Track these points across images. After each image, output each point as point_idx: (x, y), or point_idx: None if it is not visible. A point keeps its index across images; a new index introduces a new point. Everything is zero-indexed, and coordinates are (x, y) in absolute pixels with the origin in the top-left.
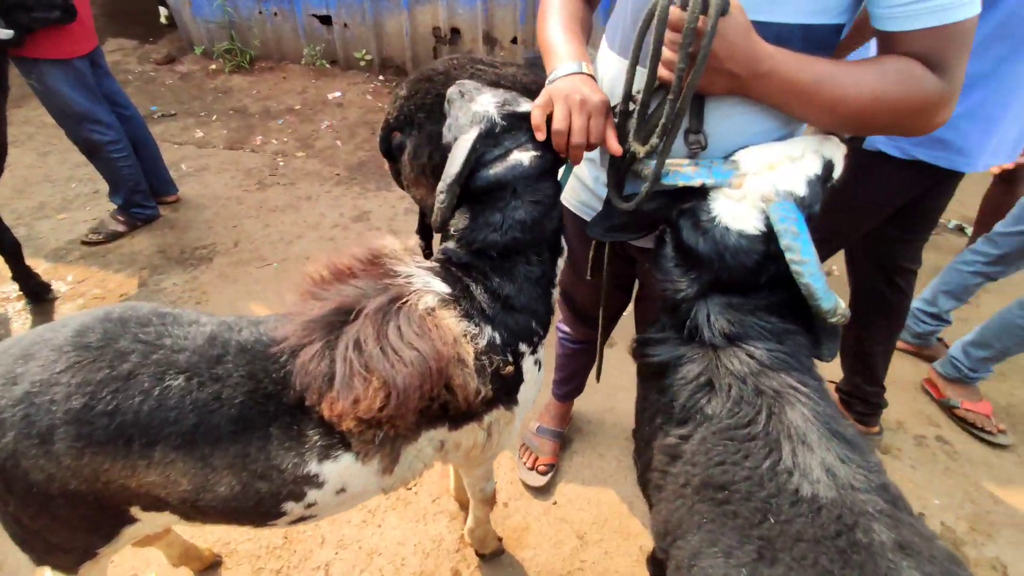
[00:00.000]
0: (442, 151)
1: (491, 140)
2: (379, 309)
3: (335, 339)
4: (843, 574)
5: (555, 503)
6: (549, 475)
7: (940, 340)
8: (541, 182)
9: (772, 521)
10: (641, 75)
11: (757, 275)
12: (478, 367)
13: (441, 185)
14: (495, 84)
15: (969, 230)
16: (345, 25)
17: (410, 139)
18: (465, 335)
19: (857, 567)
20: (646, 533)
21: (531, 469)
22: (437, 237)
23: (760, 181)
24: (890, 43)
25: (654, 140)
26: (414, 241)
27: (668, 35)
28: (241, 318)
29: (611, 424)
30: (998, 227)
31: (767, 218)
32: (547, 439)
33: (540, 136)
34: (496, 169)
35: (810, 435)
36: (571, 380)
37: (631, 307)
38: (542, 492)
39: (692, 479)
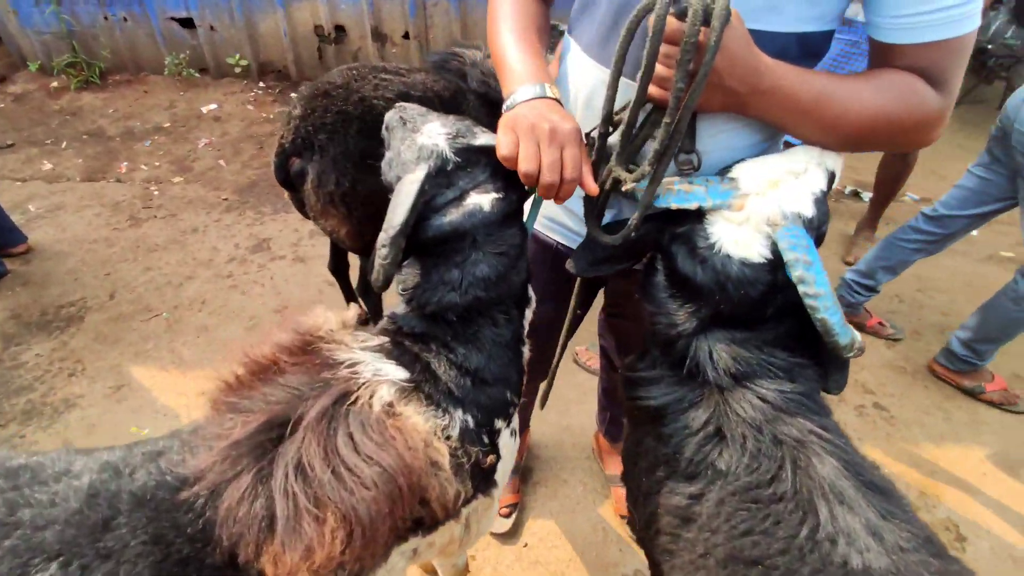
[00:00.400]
0: (351, 176)
1: (443, 180)
2: (322, 416)
3: (269, 466)
4: None
5: (525, 545)
6: (513, 516)
7: (865, 309)
8: (505, 228)
9: None
10: (624, 88)
11: (763, 307)
12: (455, 466)
13: (383, 237)
14: (404, 95)
15: (866, 196)
16: (212, 28)
17: (312, 165)
18: (435, 432)
19: None
20: (625, 559)
21: None
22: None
23: (763, 202)
24: (889, 55)
25: (645, 167)
26: (352, 312)
27: (664, 48)
28: (133, 449)
29: (570, 444)
30: (942, 208)
31: (773, 244)
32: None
33: (510, 166)
34: (451, 216)
35: (846, 491)
36: (523, 409)
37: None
38: (509, 536)
39: (713, 550)
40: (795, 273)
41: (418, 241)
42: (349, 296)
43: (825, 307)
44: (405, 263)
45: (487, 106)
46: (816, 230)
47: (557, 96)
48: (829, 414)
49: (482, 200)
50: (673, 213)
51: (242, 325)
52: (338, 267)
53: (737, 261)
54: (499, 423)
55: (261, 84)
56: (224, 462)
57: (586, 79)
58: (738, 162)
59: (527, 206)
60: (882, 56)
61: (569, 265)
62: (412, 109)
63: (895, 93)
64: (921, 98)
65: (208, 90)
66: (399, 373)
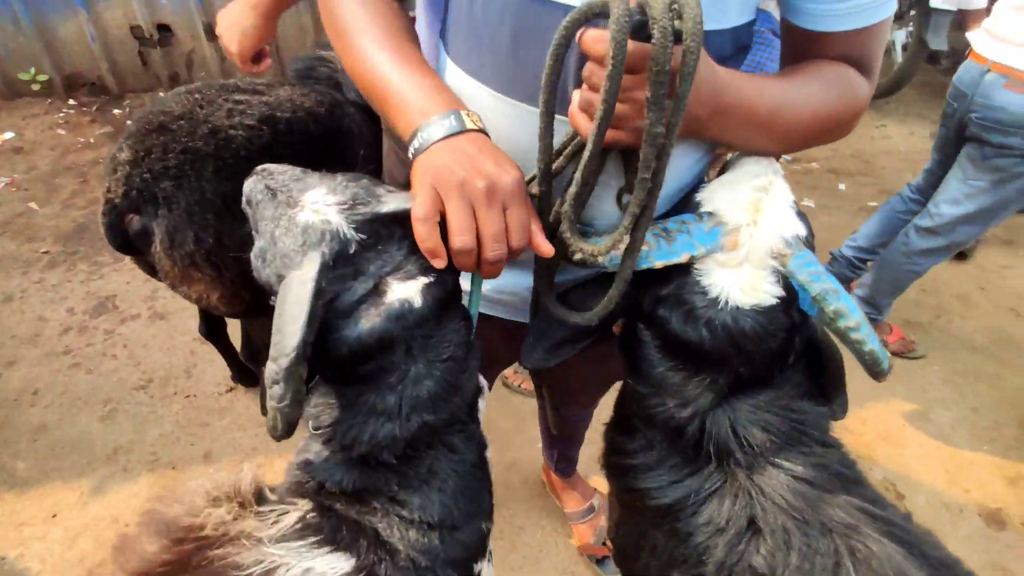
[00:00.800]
0: (214, 228)
1: (346, 270)
2: None
3: None
4: None
5: None
6: None
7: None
8: (446, 323)
9: None
10: (559, 129)
11: (785, 357)
12: None
13: (271, 369)
14: (269, 119)
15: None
16: None
17: (158, 222)
18: None
19: None
20: None
21: None
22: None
23: (759, 232)
24: (819, 44)
25: (618, 235)
26: (246, 476)
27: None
28: None
29: (519, 483)
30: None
31: (782, 279)
32: None
33: (438, 264)
34: (369, 320)
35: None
36: None
37: None
38: None
39: None
40: (831, 307)
41: (326, 360)
42: (233, 363)
43: (868, 336)
44: (312, 390)
45: (372, 121)
46: (813, 249)
47: (480, 126)
48: (865, 482)
49: (408, 290)
50: (645, 273)
51: (96, 414)
52: (212, 331)
53: (749, 311)
54: (478, 565)
55: (72, 102)
56: None
57: (476, 107)
58: (690, 191)
59: (463, 282)
60: (809, 45)
61: (525, 361)
62: (281, 173)
63: (838, 90)
64: (857, 89)
65: (0, 116)
66: (340, 564)
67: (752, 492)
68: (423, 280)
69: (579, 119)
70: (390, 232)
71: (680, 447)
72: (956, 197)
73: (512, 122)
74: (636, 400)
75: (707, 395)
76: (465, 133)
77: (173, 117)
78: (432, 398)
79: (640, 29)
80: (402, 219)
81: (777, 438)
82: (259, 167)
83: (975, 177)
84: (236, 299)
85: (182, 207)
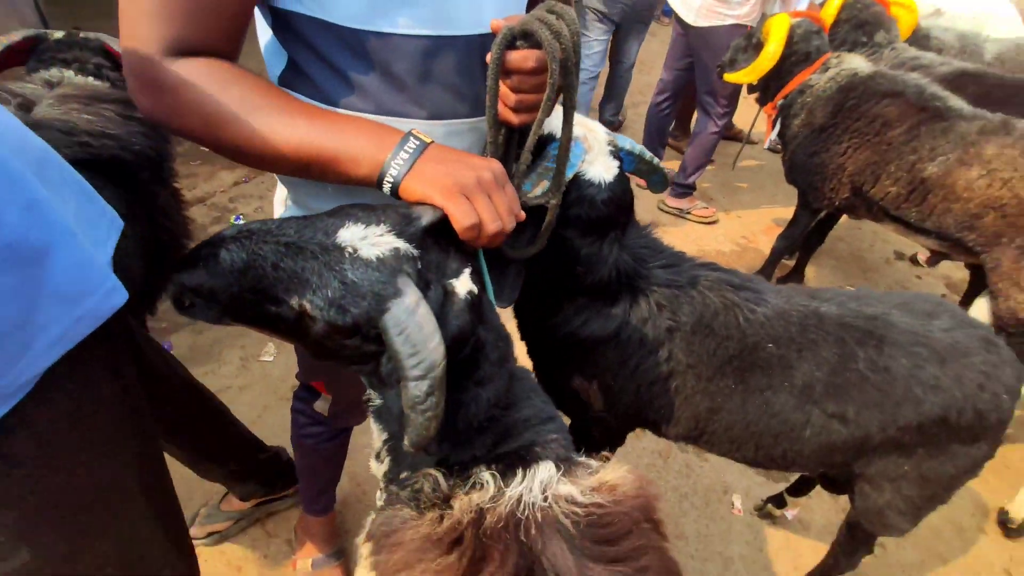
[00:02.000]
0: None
1: (421, 284)
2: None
3: None
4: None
5: None
6: None
7: None
8: (484, 296)
9: (771, 347)
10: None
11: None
12: None
13: (423, 388)
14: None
15: None
16: None
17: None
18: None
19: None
20: None
21: None
22: None
23: (595, 136)
24: None
25: (546, 183)
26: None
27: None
28: None
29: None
30: None
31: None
32: (330, 569)
33: (487, 235)
34: (458, 319)
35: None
36: (331, 483)
37: None
38: None
39: (703, 373)
40: (637, 151)
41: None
42: None
43: (657, 162)
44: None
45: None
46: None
47: (430, 138)
48: (690, 257)
49: (465, 284)
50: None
51: None
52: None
53: (613, 181)
54: None
55: None
56: None
57: None
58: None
59: None
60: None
61: (504, 302)
62: (264, 231)
63: None
64: None
65: None
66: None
67: (649, 292)
68: (467, 272)
69: (513, 116)
70: (427, 243)
71: (603, 295)
72: None
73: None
74: (566, 287)
75: (614, 248)
76: (428, 147)
77: None
78: (503, 353)
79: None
80: (432, 228)
81: (651, 253)
82: (219, 236)
83: None
84: None
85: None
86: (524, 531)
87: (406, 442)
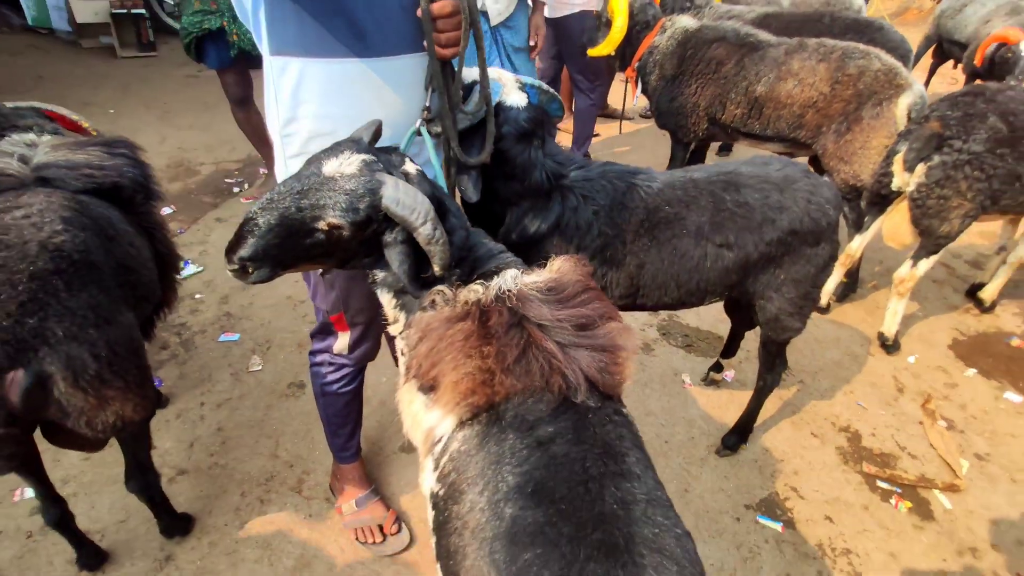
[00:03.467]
0: (103, 339)
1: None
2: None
3: None
4: None
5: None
6: (403, 529)
7: None
8: (441, 190)
9: (668, 207)
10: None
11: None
12: None
13: (429, 227)
14: (73, 221)
15: None
16: None
17: (48, 362)
18: None
19: None
20: None
21: (382, 541)
22: None
23: (505, 76)
24: None
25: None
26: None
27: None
28: None
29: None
30: None
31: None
32: (372, 504)
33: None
34: (419, 187)
35: (631, 169)
36: (357, 426)
37: None
38: (409, 547)
39: (626, 239)
40: (536, 83)
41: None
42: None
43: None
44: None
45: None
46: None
47: None
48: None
49: (411, 167)
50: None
51: None
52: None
53: (526, 103)
54: None
55: None
56: None
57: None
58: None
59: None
60: None
61: (467, 196)
62: (288, 184)
63: None
64: None
65: None
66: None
67: (573, 185)
68: (407, 160)
69: (445, 51)
70: (375, 151)
71: (539, 196)
72: None
73: (379, 73)
74: (510, 194)
75: (539, 154)
76: None
77: None
78: (458, 211)
79: None
80: (372, 142)
81: (566, 159)
82: (249, 214)
83: None
84: (146, 400)
85: (60, 335)
86: (508, 301)
87: (436, 268)
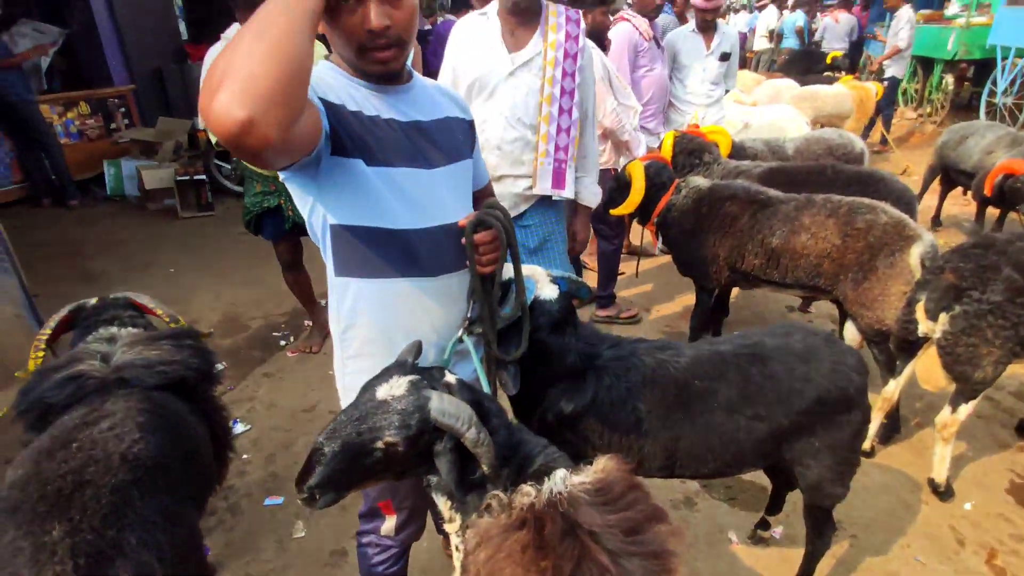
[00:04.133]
0: (168, 544)
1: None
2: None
3: None
4: None
5: None
6: None
7: None
8: (483, 393)
9: (697, 382)
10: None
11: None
12: None
13: (473, 434)
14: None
15: None
16: None
17: (125, 570)
18: None
19: None
20: None
21: None
22: None
23: (536, 272)
24: (479, 193)
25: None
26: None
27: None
28: None
29: None
30: None
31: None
32: None
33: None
34: (459, 397)
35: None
36: None
37: None
38: None
39: (660, 414)
40: (567, 275)
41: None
42: None
43: (582, 281)
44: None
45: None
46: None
47: None
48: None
49: (451, 378)
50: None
51: None
52: None
53: (558, 295)
54: None
55: None
56: None
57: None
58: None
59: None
60: (479, 194)
61: (507, 391)
62: (347, 413)
63: None
64: None
65: None
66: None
67: (606, 364)
68: (445, 372)
69: (485, 269)
70: (419, 368)
71: (574, 377)
72: None
73: (428, 291)
74: (547, 377)
75: (572, 339)
76: None
77: (57, 476)
78: (501, 416)
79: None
80: (415, 361)
81: (598, 340)
82: (316, 445)
83: None
84: None
85: (133, 543)
86: (560, 506)
87: (485, 468)
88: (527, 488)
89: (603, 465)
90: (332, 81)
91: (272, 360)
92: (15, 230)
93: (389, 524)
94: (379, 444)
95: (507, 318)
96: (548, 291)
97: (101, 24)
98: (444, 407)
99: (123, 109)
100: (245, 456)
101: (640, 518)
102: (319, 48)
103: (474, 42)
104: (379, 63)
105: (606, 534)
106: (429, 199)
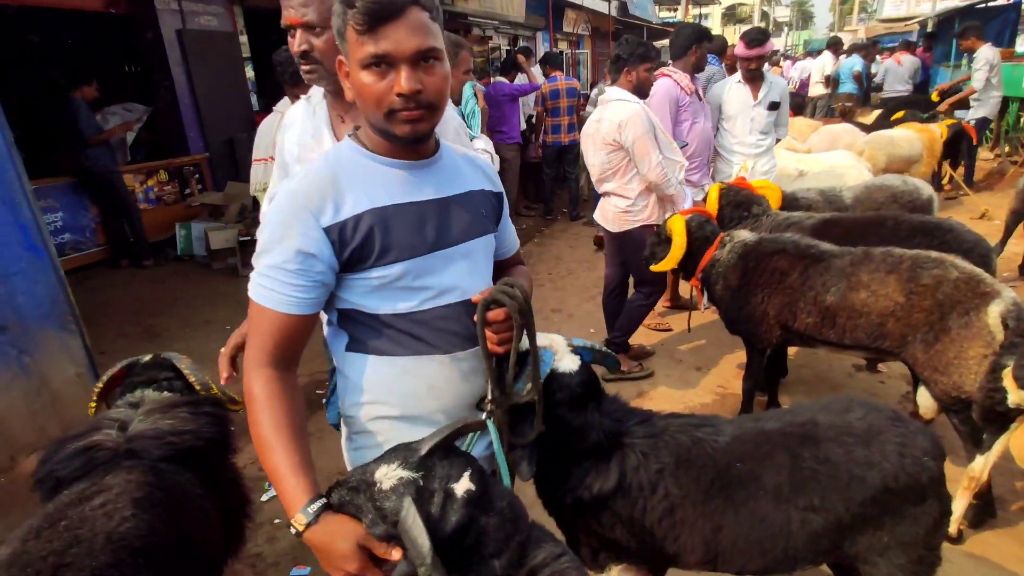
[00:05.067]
0: None
1: (426, 496)
2: None
3: None
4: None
5: None
6: None
7: None
8: (491, 488)
9: (739, 464)
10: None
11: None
12: None
13: (422, 571)
14: (142, 503)
15: None
16: None
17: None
18: None
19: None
20: None
21: None
22: None
23: (555, 341)
24: (508, 262)
25: (528, 387)
26: None
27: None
28: None
29: None
30: None
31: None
32: None
33: None
34: (456, 514)
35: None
36: None
37: None
38: None
39: (696, 499)
40: (591, 346)
41: (452, 554)
42: None
43: (607, 352)
44: None
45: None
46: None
47: (318, 508)
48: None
49: (464, 483)
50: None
51: None
52: None
53: (579, 369)
54: None
55: None
56: None
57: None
58: None
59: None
60: (506, 264)
61: (522, 476)
62: (353, 480)
63: (528, 276)
64: (528, 273)
65: None
66: None
67: (633, 442)
68: (466, 475)
69: (498, 348)
70: (430, 462)
71: (598, 457)
72: None
73: (437, 369)
74: (569, 455)
75: (595, 416)
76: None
77: (39, 557)
78: (510, 531)
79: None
80: (433, 451)
81: (625, 415)
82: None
83: None
84: None
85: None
86: None
87: None
88: None
89: None
90: (351, 168)
91: (314, 419)
92: (92, 290)
93: None
94: (362, 519)
95: (521, 395)
96: (567, 363)
97: (183, 101)
98: (408, 529)
99: (197, 175)
100: (277, 520)
101: None
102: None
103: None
104: (408, 123)
105: None
106: (440, 280)
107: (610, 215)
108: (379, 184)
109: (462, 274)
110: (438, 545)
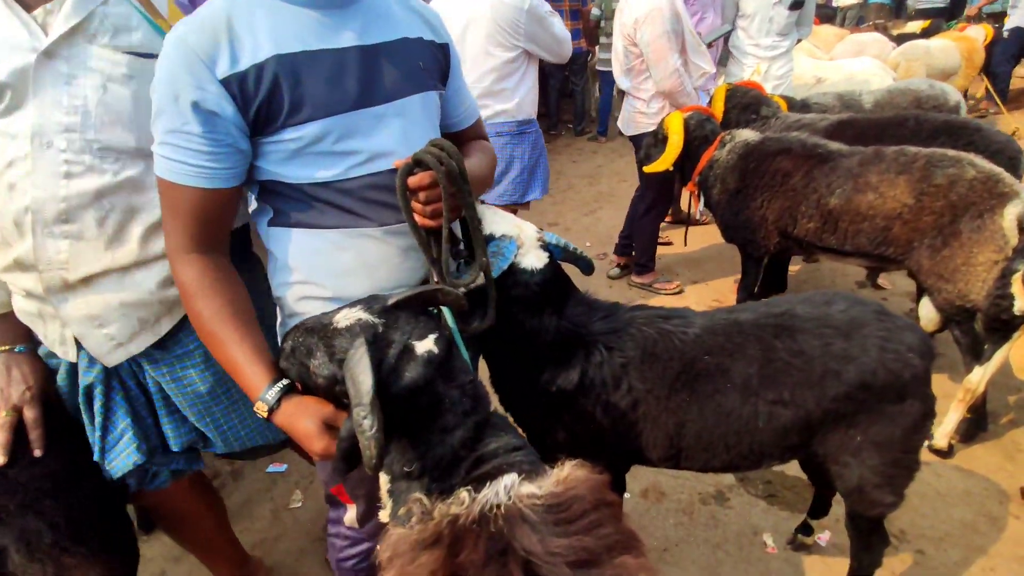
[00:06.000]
0: (61, 508)
1: (381, 344)
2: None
3: None
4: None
5: None
6: None
7: None
8: (454, 358)
9: (707, 358)
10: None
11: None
12: None
13: (358, 412)
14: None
15: None
16: None
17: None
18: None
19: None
20: None
21: None
22: None
23: (525, 233)
24: (465, 134)
25: (477, 270)
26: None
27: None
28: None
29: None
30: None
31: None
32: None
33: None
34: (411, 371)
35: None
36: None
37: None
38: None
39: (660, 394)
40: (563, 243)
41: (394, 410)
42: None
43: (577, 247)
44: (388, 451)
45: None
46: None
47: (281, 388)
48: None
49: (427, 344)
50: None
51: None
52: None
53: (544, 267)
54: None
55: None
56: None
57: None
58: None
59: None
60: (463, 137)
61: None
62: (310, 322)
63: (490, 153)
64: (492, 149)
65: None
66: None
67: (596, 338)
68: (431, 336)
69: (430, 221)
70: (395, 313)
71: (558, 356)
72: None
73: (369, 244)
74: (527, 354)
75: (551, 320)
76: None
77: None
78: (469, 407)
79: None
80: (403, 304)
81: (589, 312)
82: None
83: None
84: (115, 561)
85: (12, 508)
86: (493, 523)
87: (366, 465)
88: (463, 495)
89: (566, 474)
90: (250, 7)
91: None
92: None
93: (351, 513)
94: (306, 363)
95: (465, 284)
96: (531, 259)
97: None
98: (352, 366)
99: None
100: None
101: (598, 546)
102: None
103: None
104: None
105: (546, 564)
106: (369, 143)
107: (627, 115)
108: (286, 27)
109: (396, 137)
110: (385, 399)
